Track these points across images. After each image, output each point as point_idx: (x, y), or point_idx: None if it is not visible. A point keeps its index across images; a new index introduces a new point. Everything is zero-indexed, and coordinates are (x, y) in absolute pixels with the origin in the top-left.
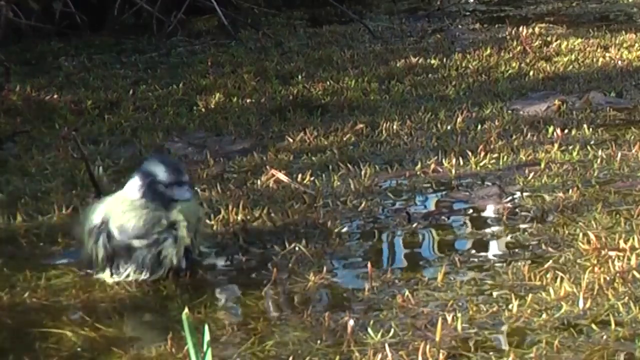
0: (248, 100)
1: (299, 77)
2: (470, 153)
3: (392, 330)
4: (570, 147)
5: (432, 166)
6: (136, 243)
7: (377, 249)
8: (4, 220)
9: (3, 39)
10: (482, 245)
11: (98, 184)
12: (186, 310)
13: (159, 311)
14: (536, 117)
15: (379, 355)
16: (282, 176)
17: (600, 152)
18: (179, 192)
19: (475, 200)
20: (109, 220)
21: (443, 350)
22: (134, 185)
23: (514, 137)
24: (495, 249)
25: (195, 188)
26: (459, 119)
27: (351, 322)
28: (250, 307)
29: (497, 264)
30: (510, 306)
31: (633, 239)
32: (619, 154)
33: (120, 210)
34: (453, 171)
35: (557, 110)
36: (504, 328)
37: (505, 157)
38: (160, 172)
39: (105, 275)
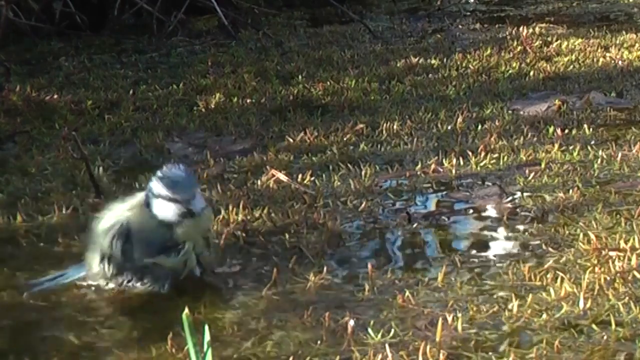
0: (248, 101)
1: (299, 77)
2: (470, 153)
3: (393, 331)
4: (571, 147)
5: (433, 166)
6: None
7: (378, 249)
8: (4, 220)
9: (3, 39)
10: (482, 245)
11: (98, 184)
12: (186, 310)
13: (159, 311)
14: (536, 117)
15: (380, 356)
16: (282, 176)
17: (600, 152)
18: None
19: (476, 201)
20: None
21: (443, 351)
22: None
23: (514, 137)
24: (495, 249)
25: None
26: (460, 119)
27: (351, 322)
28: (250, 307)
29: (497, 264)
30: (510, 306)
31: (633, 239)
32: (620, 154)
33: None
34: (453, 171)
35: (557, 110)
36: (505, 328)
37: (506, 157)
38: (154, 181)
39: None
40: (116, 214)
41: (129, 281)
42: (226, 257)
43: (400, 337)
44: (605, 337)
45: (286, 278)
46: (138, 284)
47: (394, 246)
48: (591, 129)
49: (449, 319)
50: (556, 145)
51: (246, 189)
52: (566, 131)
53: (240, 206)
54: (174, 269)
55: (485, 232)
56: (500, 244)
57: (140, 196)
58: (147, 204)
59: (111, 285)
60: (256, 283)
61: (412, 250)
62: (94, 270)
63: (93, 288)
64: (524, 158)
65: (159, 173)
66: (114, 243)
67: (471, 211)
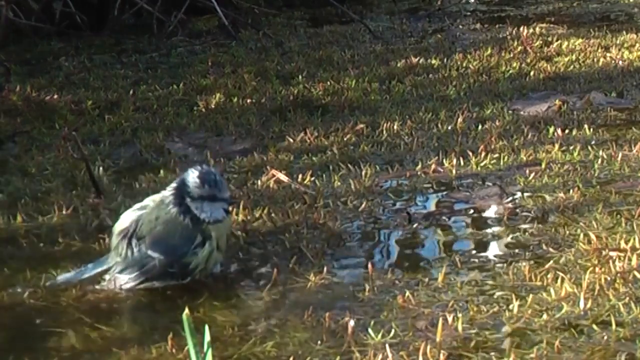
0: (248, 101)
1: (300, 77)
2: (470, 153)
3: (393, 331)
4: (571, 148)
5: (433, 166)
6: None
7: (378, 250)
8: (4, 221)
9: (3, 39)
10: (482, 245)
11: (98, 184)
12: (186, 310)
13: (159, 311)
14: (537, 117)
15: (380, 356)
16: (282, 176)
17: (601, 153)
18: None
19: (476, 201)
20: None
21: (444, 351)
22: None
23: (514, 137)
24: (496, 249)
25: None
26: (460, 119)
27: (352, 323)
28: (251, 307)
29: (497, 265)
30: (511, 306)
31: (634, 239)
32: (620, 154)
33: (155, 221)
34: (454, 171)
35: (557, 110)
36: (505, 328)
37: (506, 157)
38: (193, 184)
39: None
40: (134, 214)
41: (149, 280)
42: (226, 257)
43: (401, 338)
44: (605, 337)
45: (286, 278)
46: (158, 282)
47: (394, 246)
48: (591, 129)
49: (450, 319)
50: (556, 146)
51: (246, 189)
52: (566, 131)
53: (241, 206)
54: (197, 265)
55: (486, 232)
56: (501, 244)
57: (157, 197)
58: (179, 205)
59: (131, 284)
60: (256, 283)
61: (412, 250)
62: (116, 269)
63: (100, 286)
64: (525, 158)
65: (196, 174)
66: (132, 244)
67: (471, 211)
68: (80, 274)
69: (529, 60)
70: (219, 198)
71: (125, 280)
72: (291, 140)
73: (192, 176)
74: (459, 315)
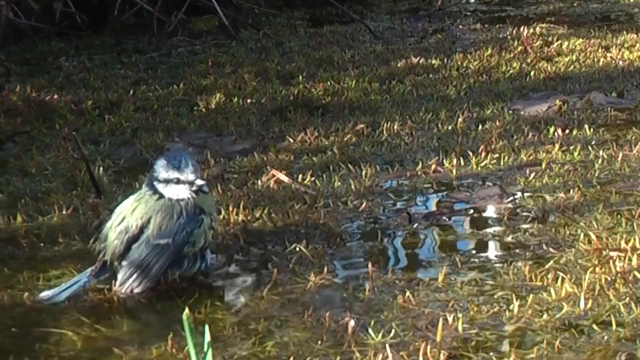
0: (249, 101)
1: (300, 77)
2: (471, 153)
3: (393, 331)
4: (572, 148)
5: (433, 166)
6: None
7: (378, 250)
8: (4, 221)
9: (3, 39)
10: (483, 245)
11: (98, 184)
12: (186, 310)
13: (159, 311)
14: (537, 117)
15: (380, 356)
16: (282, 176)
17: (601, 153)
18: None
19: (476, 201)
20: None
21: (444, 351)
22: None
23: (515, 137)
24: (496, 249)
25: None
26: (460, 119)
27: (352, 323)
28: (251, 307)
29: (498, 265)
30: (511, 307)
31: (634, 239)
32: (620, 154)
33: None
34: (454, 171)
35: (558, 110)
36: (505, 328)
37: (506, 157)
38: (159, 168)
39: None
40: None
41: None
42: (226, 257)
43: (401, 338)
44: (606, 338)
45: (286, 278)
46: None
47: (394, 246)
48: (592, 129)
49: (450, 319)
50: (557, 146)
51: (246, 190)
52: (567, 131)
53: (241, 206)
54: (198, 243)
55: (486, 232)
56: (501, 244)
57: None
58: (154, 192)
59: (141, 288)
60: (256, 283)
61: (412, 250)
62: (122, 278)
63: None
64: (525, 158)
65: (162, 159)
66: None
67: (472, 211)
68: (67, 291)
69: (529, 60)
70: (182, 181)
71: (137, 283)
72: (291, 140)
73: (160, 161)
74: (459, 315)
